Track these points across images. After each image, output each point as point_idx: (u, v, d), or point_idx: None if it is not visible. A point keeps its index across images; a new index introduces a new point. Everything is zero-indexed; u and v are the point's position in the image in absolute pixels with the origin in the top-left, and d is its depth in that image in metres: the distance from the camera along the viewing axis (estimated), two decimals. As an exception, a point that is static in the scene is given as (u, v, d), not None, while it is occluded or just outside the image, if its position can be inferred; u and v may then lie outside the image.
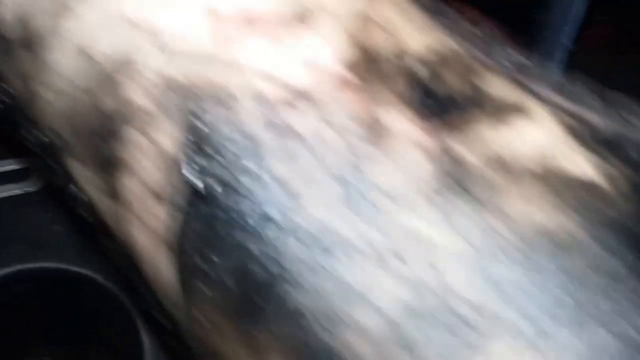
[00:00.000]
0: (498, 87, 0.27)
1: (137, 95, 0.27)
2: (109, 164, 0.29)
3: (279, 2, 0.27)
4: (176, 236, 0.27)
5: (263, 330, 0.26)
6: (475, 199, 0.24)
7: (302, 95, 0.26)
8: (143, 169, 0.28)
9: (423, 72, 0.26)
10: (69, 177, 0.32)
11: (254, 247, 0.25)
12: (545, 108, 0.27)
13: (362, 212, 0.25)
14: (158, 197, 0.27)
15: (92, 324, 0.59)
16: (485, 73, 0.27)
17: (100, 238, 0.32)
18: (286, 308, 0.25)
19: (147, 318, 0.52)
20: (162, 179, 0.27)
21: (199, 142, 0.26)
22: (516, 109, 0.26)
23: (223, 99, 0.26)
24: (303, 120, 0.26)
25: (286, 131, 0.26)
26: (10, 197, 0.58)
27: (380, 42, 0.27)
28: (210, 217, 0.26)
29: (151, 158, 0.27)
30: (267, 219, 0.25)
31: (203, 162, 0.26)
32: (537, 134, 0.26)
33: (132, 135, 0.28)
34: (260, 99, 0.26)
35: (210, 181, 0.26)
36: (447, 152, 0.25)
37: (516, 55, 0.28)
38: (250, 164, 0.26)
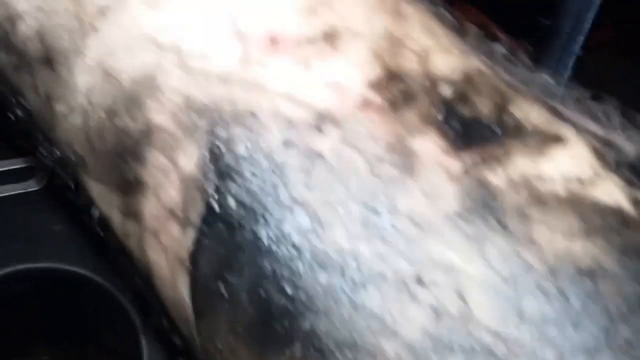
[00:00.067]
0: (531, 114, 0.26)
1: (160, 116, 0.27)
2: (129, 185, 0.28)
3: (305, 23, 0.27)
4: (191, 255, 0.27)
5: (279, 354, 0.25)
6: (505, 228, 0.24)
7: (326, 118, 0.26)
8: (163, 189, 0.27)
9: (451, 95, 0.26)
10: (86, 195, 0.31)
11: (271, 269, 0.25)
12: (576, 134, 0.26)
13: (386, 237, 0.24)
14: (176, 216, 0.27)
15: (92, 325, 0.59)
16: (517, 99, 0.26)
17: (113, 254, 0.32)
18: (304, 333, 0.25)
19: (151, 328, 0.52)
20: (181, 199, 0.27)
21: (220, 163, 0.26)
22: (550, 138, 0.26)
23: (246, 120, 0.26)
24: (327, 143, 0.25)
25: (309, 153, 0.25)
26: (11, 196, 0.58)
27: (407, 63, 0.26)
28: (227, 238, 0.26)
29: (171, 179, 0.27)
30: (286, 241, 0.25)
31: (223, 182, 0.26)
32: (568, 161, 0.26)
33: (154, 156, 0.27)
34: (283, 120, 0.26)
35: (229, 202, 0.26)
36: (477, 179, 0.25)
37: (542, 75, 0.28)
38: (271, 186, 0.25)
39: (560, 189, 0.25)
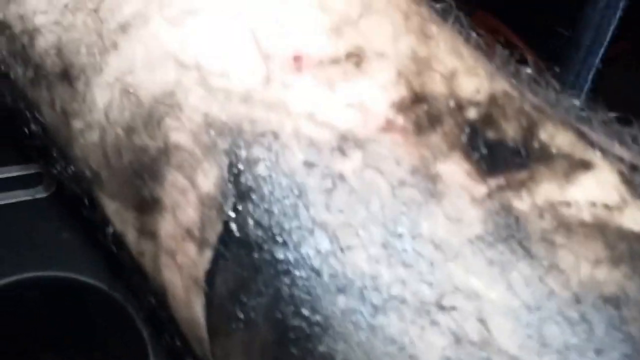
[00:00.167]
0: (558, 138, 0.26)
1: (179, 134, 0.27)
2: (145, 203, 0.28)
3: (330, 43, 0.26)
4: (207, 275, 0.27)
5: None
6: (529, 253, 0.24)
7: (349, 139, 0.25)
8: (180, 209, 0.27)
9: (477, 117, 0.26)
10: (100, 212, 0.31)
11: (288, 292, 0.25)
12: (603, 159, 0.26)
13: (407, 261, 0.24)
14: (193, 236, 0.27)
15: (99, 333, 0.59)
16: (543, 122, 0.26)
17: (128, 272, 0.31)
18: (320, 356, 0.24)
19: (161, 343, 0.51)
20: (198, 219, 0.27)
21: (239, 183, 0.25)
22: (577, 163, 0.25)
23: (266, 140, 0.25)
24: (349, 165, 0.25)
25: (331, 175, 0.25)
26: (18, 203, 0.58)
27: (432, 85, 0.26)
28: (245, 259, 0.25)
29: (189, 198, 0.27)
30: (305, 263, 0.25)
31: (241, 203, 0.25)
32: (594, 186, 0.25)
33: (171, 174, 0.27)
34: (305, 141, 0.25)
35: (247, 222, 0.25)
36: (501, 203, 0.24)
37: (569, 97, 0.28)
38: (291, 207, 0.25)
39: (586, 215, 0.24)
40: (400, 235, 0.24)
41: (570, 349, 0.23)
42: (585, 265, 0.24)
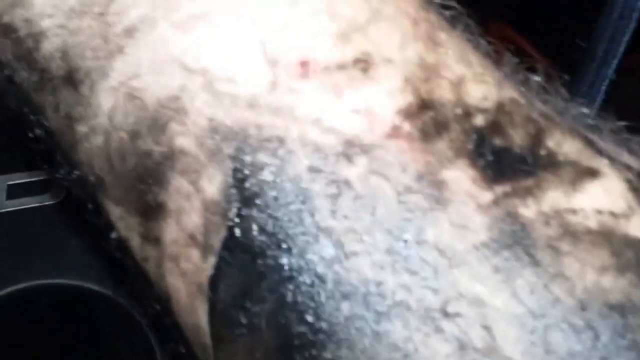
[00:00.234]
0: (565, 146, 0.26)
1: (183, 139, 0.27)
2: (149, 208, 0.28)
3: (338, 49, 0.26)
4: (211, 281, 0.26)
5: None
6: (534, 260, 0.24)
7: (355, 145, 0.25)
8: (184, 214, 0.27)
9: (484, 125, 0.26)
10: (104, 217, 0.31)
11: (292, 298, 0.24)
12: (610, 167, 0.26)
13: (412, 267, 0.24)
14: (197, 242, 0.27)
15: (107, 341, 0.59)
16: (551, 129, 0.26)
17: (132, 278, 0.31)
18: None
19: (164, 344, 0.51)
20: (202, 224, 0.26)
21: (244, 188, 0.25)
22: (584, 171, 0.25)
23: (272, 145, 0.25)
24: (354, 171, 0.25)
25: (336, 181, 0.25)
26: (26, 209, 0.58)
27: (440, 92, 0.26)
28: (248, 265, 0.25)
29: (193, 203, 0.27)
30: (309, 269, 0.24)
31: (246, 208, 0.25)
32: (601, 194, 0.25)
33: (176, 179, 0.27)
34: (311, 147, 0.25)
35: (251, 228, 0.25)
36: (507, 211, 0.24)
37: (577, 105, 0.28)
38: (295, 213, 0.25)
39: (592, 222, 0.24)
40: (405, 242, 0.24)
41: (575, 357, 0.23)
42: (591, 273, 0.24)
